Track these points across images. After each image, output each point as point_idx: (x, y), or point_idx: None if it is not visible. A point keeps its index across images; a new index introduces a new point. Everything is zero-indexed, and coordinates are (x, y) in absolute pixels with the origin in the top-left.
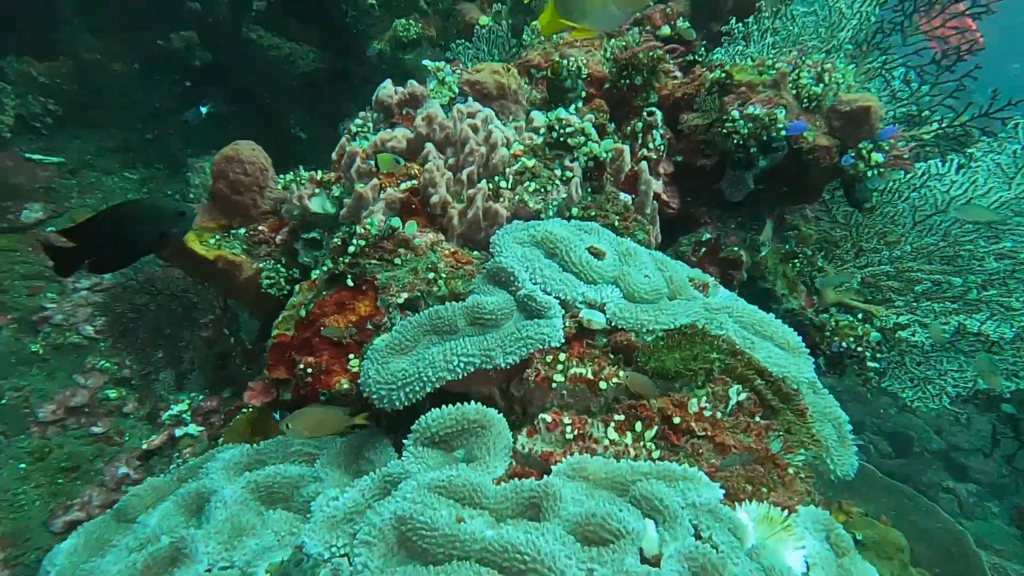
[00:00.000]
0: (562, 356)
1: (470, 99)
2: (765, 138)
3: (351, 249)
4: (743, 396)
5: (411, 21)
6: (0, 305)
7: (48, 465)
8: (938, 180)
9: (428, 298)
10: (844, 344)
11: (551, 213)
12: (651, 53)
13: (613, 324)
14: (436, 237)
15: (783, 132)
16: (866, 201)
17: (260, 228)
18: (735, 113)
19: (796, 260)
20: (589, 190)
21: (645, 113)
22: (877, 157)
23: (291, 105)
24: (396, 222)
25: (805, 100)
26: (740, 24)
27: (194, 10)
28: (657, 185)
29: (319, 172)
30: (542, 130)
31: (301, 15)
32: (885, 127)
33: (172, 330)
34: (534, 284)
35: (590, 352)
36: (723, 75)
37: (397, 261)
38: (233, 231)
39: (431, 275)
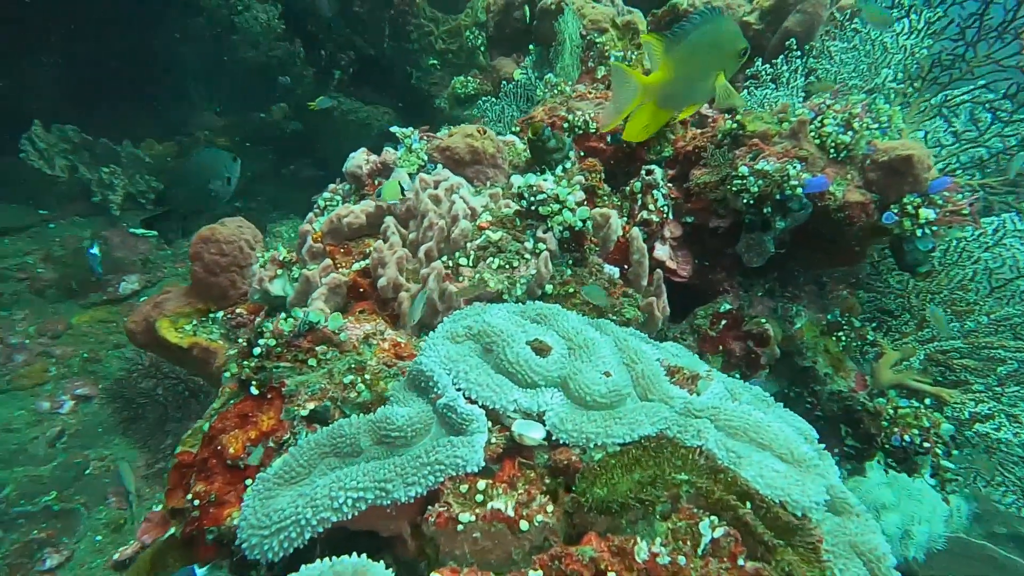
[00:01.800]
0: (482, 484)
1: (439, 166)
2: (779, 197)
3: (257, 351)
4: (720, 532)
5: (469, 78)
6: (93, 375)
7: (123, 537)
8: (1017, 238)
9: (344, 406)
10: (907, 438)
11: (519, 292)
12: None
13: (555, 438)
14: (375, 327)
15: (799, 189)
16: (919, 264)
17: (239, 311)
18: (744, 169)
19: (841, 332)
20: (570, 262)
21: (644, 172)
22: (927, 213)
23: None
24: (315, 316)
25: (832, 150)
26: (767, 65)
27: (285, 84)
28: (662, 251)
29: (283, 251)
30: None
31: (373, 79)
32: (937, 178)
33: (180, 415)
34: (457, 390)
35: (525, 475)
36: (734, 125)
37: (312, 362)
38: (212, 315)
39: (350, 377)
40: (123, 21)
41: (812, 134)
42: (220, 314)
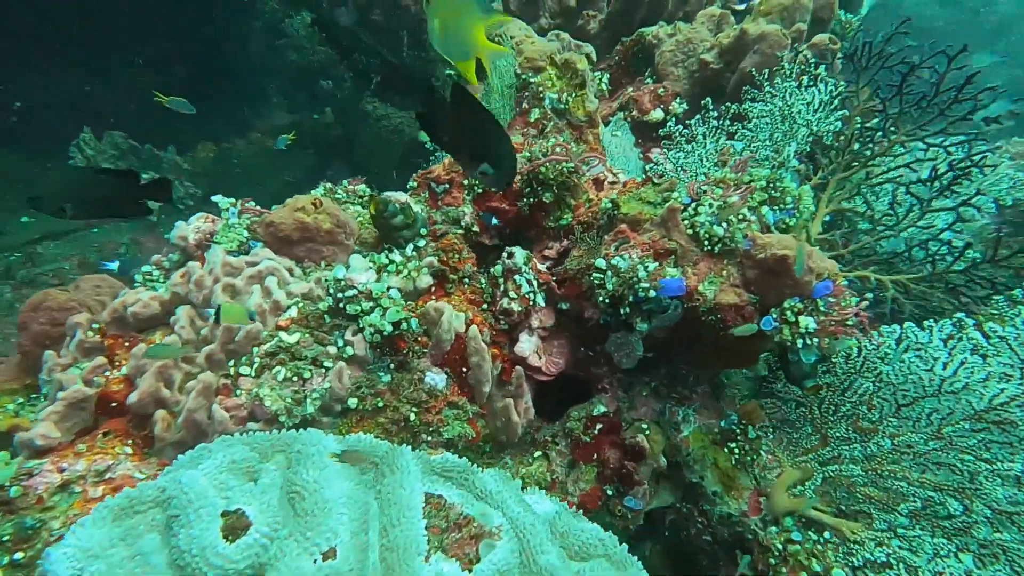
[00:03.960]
0: None
1: (259, 245)
2: (632, 299)
3: None
4: None
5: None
6: None
7: None
8: (917, 354)
9: None
10: None
11: (310, 410)
12: (558, 165)
13: None
14: (90, 466)
15: (651, 292)
16: (806, 377)
17: None
18: (600, 262)
19: (735, 443)
20: (392, 367)
21: (504, 255)
22: (807, 322)
23: (400, 172)
24: None
25: (706, 242)
26: (680, 126)
27: (327, 88)
28: (526, 345)
29: (92, 332)
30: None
31: (400, 87)
32: (821, 281)
33: None
34: None
35: None
36: (610, 205)
37: None
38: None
39: None
40: (192, 24)
41: (686, 223)
42: None
